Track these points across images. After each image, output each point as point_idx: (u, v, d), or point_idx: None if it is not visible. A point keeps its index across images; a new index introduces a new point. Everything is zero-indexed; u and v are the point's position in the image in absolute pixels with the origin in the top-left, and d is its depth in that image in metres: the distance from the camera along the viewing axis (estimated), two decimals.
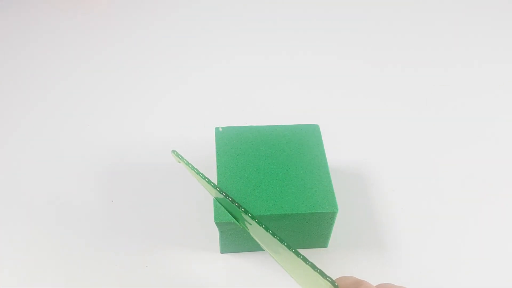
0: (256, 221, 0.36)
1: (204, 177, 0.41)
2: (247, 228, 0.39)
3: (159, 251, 0.43)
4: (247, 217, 0.37)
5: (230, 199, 0.40)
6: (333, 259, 0.44)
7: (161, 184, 0.51)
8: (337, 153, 0.53)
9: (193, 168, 0.42)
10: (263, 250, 0.45)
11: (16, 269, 0.43)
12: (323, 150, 0.46)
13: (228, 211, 0.41)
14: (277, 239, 0.34)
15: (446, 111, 0.62)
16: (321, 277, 0.30)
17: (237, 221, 0.41)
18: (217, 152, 0.45)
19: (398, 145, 0.57)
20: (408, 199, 0.50)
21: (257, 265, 0.44)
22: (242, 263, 0.44)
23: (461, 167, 0.54)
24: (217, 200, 0.42)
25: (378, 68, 0.69)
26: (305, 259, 0.32)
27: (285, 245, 0.34)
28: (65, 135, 0.57)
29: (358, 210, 0.49)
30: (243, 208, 0.38)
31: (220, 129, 0.47)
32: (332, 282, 0.29)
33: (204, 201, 0.48)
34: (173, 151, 0.44)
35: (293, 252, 0.33)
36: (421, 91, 0.65)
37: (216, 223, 0.40)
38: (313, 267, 0.31)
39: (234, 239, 0.44)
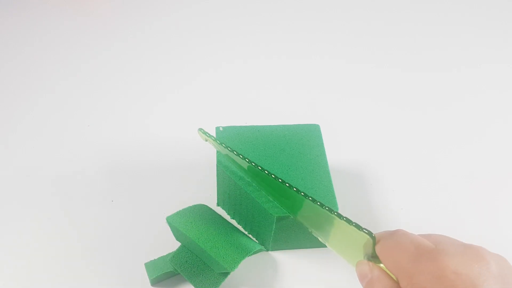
0: (294, 189, 0.36)
1: (246, 160, 0.40)
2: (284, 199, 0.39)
3: (159, 251, 0.43)
4: (289, 190, 0.37)
5: (273, 175, 0.39)
6: (334, 258, 0.44)
7: (161, 184, 0.51)
8: (337, 153, 0.53)
9: (220, 144, 0.42)
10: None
11: (15, 268, 0.43)
12: (324, 150, 0.46)
13: (266, 192, 0.41)
14: (310, 200, 0.34)
15: (446, 111, 0.62)
16: (357, 229, 0.30)
17: (275, 198, 0.40)
18: (217, 152, 0.45)
19: (398, 146, 0.57)
20: (408, 199, 0.50)
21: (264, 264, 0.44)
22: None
23: (461, 167, 0.54)
24: (256, 184, 0.42)
25: (379, 69, 0.69)
26: (339, 215, 0.32)
27: (318, 204, 0.34)
28: (66, 135, 0.57)
29: (358, 210, 0.49)
30: (288, 183, 0.37)
31: (221, 129, 0.47)
32: (369, 233, 0.29)
33: (205, 201, 0.48)
34: (200, 129, 0.43)
35: (326, 210, 0.33)
36: (421, 92, 0.65)
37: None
38: (348, 221, 0.31)
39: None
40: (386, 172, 0.53)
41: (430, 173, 0.53)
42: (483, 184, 0.52)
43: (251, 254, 0.40)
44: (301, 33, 0.76)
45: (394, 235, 0.29)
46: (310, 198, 0.35)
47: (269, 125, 0.48)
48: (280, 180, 0.38)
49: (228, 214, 0.48)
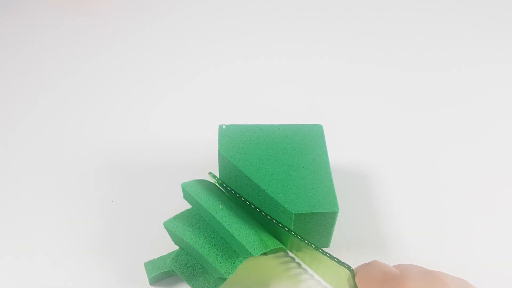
0: (286, 230, 0.40)
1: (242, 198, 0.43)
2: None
3: (159, 251, 0.43)
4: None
5: (263, 213, 0.43)
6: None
7: (161, 184, 0.51)
8: (339, 153, 0.53)
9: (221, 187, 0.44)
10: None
11: (15, 268, 0.43)
12: (326, 150, 0.46)
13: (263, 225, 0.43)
14: (299, 238, 0.39)
15: (447, 111, 0.62)
16: (337, 264, 0.35)
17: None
18: (219, 150, 0.45)
19: (399, 146, 0.57)
20: (409, 199, 0.50)
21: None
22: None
23: (462, 167, 0.54)
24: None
25: (379, 69, 0.69)
26: (323, 252, 0.36)
27: (305, 242, 0.39)
28: (66, 135, 0.57)
29: (360, 210, 0.49)
30: (281, 224, 0.41)
31: (224, 127, 0.47)
32: (348, 267, 0.34)
33: None
34: (210, 173, 0.46)
35: (312, 246, 0.38)
36: (422, 92, 0.65)
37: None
38: (331, 257, 0.36)
39: None
40: (387, 172, 0.53)
41: (431, 173, 0.53)
42: (484, 184, 0.52)
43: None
44: (301, 33, 0.76)
45: (368, 266, 0.33)
46: (299, 237, 0.38)
47: (272, 125, 0.48)
48: (275, 221, 0.41)
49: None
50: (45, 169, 0.52)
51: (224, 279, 0.39)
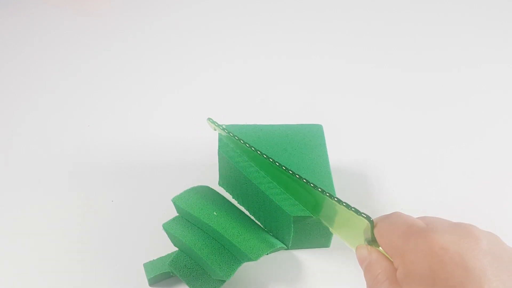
0: (297, 177, 0.38)
1: (250, 147, 0.42)
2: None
3: (158, 252, 0.43)
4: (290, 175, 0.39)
5: (277, 163, 0.40)
6: (335, 258, 0.44)
7: (161, 184, 0.51)
8: (339, 153, 0.53)
9: (228, 133, 0.43)
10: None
11: (14, 267, 0.43)
12: (326, 150, 0.46)
13: (271, 177, 0.41)
14: (319, 190, 0.35)
15: (447, 111, 0.62)
16: (355, 214, 0.31)
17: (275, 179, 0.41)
18: (219, 150, 0.45)
19: (399, 146, 0.57)
20: (409, 199, 0.50)
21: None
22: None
23: (462, 167, 0.54)
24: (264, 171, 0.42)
25: (379, 69, 0.69)
26: (339, 200, 0.33)
27: (319, 191, 0.35)
28: (66, 135, 0.57)
29: (360, 210, 0.49)
30: (287, 169, 0.38)
31: (223, 126, 0.47)
32: (368, 217, 0.30)
33: None
34: (209, 119, 0.44)
35: (327, 196, 0.34)
36: (422, 92, 0.65)
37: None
38: (348, 206, 0.32)
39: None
40: (387, 172, 0.53)
41: (431, 173, 0.53)
42: (485, 184, 0.52)
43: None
44: (301, 33, 0.76)
45: (390, 217, 0.30)
46: (312, 185, 0.36)
47: (272, 125, 0.48)
48: (292, 173, 0.39)
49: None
50: (45, 169, 0.52)
51: (223, 281, 0.39)
